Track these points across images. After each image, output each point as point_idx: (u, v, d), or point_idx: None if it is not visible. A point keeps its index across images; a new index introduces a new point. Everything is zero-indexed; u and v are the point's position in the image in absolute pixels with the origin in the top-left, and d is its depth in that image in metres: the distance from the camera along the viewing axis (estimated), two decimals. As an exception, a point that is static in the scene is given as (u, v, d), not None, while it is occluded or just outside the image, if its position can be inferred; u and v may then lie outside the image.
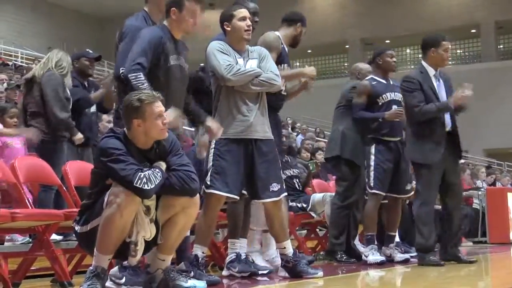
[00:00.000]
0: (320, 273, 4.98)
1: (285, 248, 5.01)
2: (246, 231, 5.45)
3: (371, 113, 6.55)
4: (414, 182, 6.77)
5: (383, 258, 6.37)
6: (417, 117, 6.10)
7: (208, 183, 4.79)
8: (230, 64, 4.76)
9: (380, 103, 6.55)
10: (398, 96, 6.53)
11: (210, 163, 4.82)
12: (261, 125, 4.92)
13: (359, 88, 6.68)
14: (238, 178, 4.83)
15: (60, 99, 6.00)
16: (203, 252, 4.87)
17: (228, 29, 4.97)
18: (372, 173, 6.48)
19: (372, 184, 6.47)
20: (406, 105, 6.27)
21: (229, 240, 5.36)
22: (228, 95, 4.87)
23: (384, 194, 6.52)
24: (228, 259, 5.26)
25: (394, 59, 6.77)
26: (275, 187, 4.91)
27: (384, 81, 6.62)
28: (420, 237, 6.08)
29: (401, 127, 6.58)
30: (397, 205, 6.70)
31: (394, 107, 6.50)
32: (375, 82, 6.60)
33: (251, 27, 4.96)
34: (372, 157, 6.49)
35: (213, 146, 4.85)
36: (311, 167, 8.39)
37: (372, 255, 6.35)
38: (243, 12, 4.95)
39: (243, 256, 5.25)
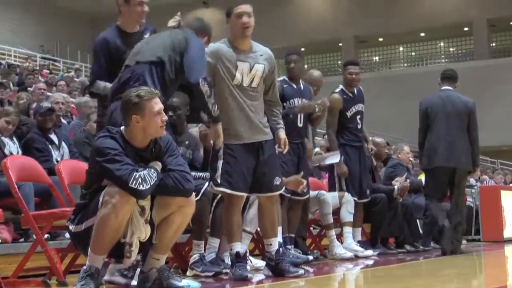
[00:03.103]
0: (301, 272, 4.97)
1: (270, 245, 5.01)
2: (220, 231, 5.42)
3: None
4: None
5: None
6: (477, 138, 7.54)
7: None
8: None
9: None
10: (305, 102, 6.60)
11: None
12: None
13: None
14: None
15: None
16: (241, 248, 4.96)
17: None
18: None
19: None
20: (474, 124, 7.50)
21: (193, 241, 5.33)
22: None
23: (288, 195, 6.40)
24: (192, 260, 5.25)
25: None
26: (277, 180, 4.99)
27: (294, 86, 6.64)
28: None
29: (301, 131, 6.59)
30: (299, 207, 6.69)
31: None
32: (286, 85, 6.61)
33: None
34: None
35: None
36: None
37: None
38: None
39: (212, 257, 5.28)
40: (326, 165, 7.67)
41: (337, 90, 7.54)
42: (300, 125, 6.54)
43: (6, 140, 6.41)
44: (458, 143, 7.44)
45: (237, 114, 4.90)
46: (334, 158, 7.35)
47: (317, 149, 8.17)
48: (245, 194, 4.98)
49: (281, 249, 5.07)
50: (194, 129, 6.51)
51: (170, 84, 4.46)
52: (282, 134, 5.09)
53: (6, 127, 6.42)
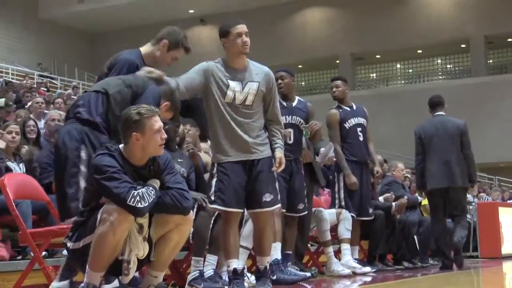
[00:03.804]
0: None
1: (258, 262, 5.01)
2: (218, 248, 5.40)
3: None
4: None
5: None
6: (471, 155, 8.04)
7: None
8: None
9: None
10: (296, 119, 6.62)
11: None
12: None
13: None
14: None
15: None
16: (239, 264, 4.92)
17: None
18: None
19: None
20: (467, 143, 8.00)
21: (193, 258, 5.32)
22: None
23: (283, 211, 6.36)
24: (190, 276, 5.24)
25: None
26: (267, 197, 4.91)
27: (284, 104, 6.57)
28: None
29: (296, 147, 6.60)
30: (294, 224, 6.65)
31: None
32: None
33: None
34: None
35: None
36: None
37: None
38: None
39: (211, 273, 5.28)
40: (331, 157, 7.65)
41: (334, 106, 7.59)
42: (289, 141, 6.47)
43: (13, 165, 6.43)
44: (452, 163, 7.91)
45: (225, 132, 4.89)
46: (330, 148, 7.56)
47: (322, 149, 8.20)
48: (239, 211, 4.96)
49: (261, 267, 4.98)
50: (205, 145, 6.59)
51: (113, 118, 4.42)
52: (278, 153, 5.04)
53: (11, 138, 6.46)
